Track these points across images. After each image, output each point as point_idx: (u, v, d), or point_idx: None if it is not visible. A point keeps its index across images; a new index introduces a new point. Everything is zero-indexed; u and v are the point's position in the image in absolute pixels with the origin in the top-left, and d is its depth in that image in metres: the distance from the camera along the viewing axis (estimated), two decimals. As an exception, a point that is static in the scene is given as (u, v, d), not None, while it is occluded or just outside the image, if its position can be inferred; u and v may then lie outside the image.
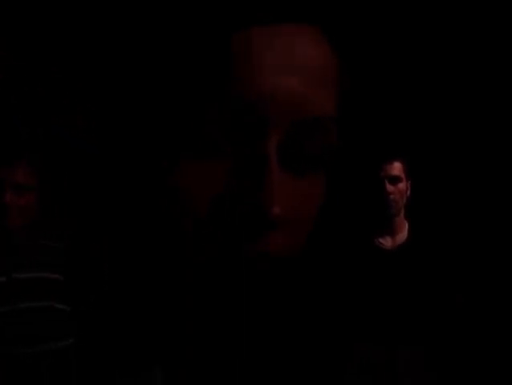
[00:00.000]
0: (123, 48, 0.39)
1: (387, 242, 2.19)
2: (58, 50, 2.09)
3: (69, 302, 1.58)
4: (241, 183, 0.31)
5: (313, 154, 0.34)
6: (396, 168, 2.16)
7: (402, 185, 2.16)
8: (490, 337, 2.40)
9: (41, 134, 1.85)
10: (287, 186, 0.32)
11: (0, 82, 2.06)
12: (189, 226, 0.32)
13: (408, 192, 2.20)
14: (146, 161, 0.35)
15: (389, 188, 2.12)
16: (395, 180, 2.14)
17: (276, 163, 0.31)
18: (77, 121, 1.92)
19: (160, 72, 0.34)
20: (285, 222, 0.31)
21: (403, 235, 2.19)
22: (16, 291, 1.66)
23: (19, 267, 1.71)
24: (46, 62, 2.09)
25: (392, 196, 2.13)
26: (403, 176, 2.17)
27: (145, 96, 0.35)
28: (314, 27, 0.33)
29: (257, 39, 0.31)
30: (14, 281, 1.69)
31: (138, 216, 0.37)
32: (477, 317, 2.34)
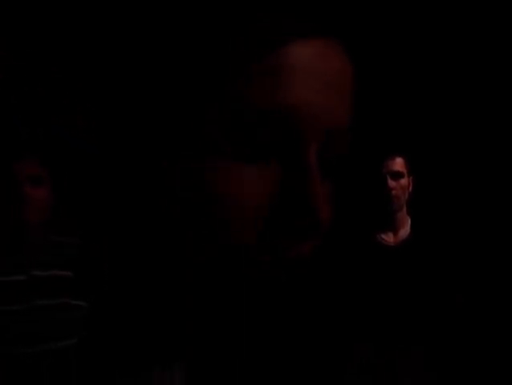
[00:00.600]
0: (123, 48, 0.38)
1: (389, 238, 2.19)
2: (58, 50, 2.09)
3: (85, 300, 1.59)
4: (286, 191, 0.33)
5: (332, 161, 0.36)
6: (398, 163, 2.16)
7: (404, 181, 2.15)
8: (490, 337, 2.40)
9: (41, 134, 1.87)
10: (323, 193, 0.34)
11: (0, 82, 2.06)
12: (194, 225, 0.33)
13: (410, 188, 2.20)
14: (146, 161, 0.35)
15: (391, 183, 2.12)
16: (397, 175, 2.14)
17: (317, 169, 0.34)
18: (77, 121, 1.92)
19: (160, 71, 0.34)
20: (328, 226, 0.34)
21: (405, 231, 2.19)
22: (35, 289, 1.69)
23: (38, 265, 1.73)
24: (46, 62, 2.09)
25: (394, 192, 2.12)
26: (405, 171, 2.16)
27: (146, 96, 0.35)
28: (335, 39, 0.35)
29: (283, 54, 0.32)
30: (33, 279, 1.71)
31: (138, 216, 0.37)
32: (477, 316, 2.34)
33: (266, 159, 0.33)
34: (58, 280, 1.71)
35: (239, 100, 0.32)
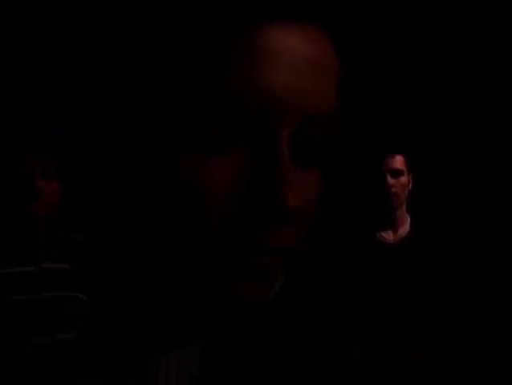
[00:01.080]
0: (122, 47, 0.39)
1: (388, 236, 2.19)
2: (58, 50, 2.09)
3: (87, 295, 1.61)
4: (251, 178, 0.32)
5: (317, 149, 0.35)
6: (398, 161, 2.16)
7: (404, 179, 2.15)
8: (490, 336, 2.40)
9: (41, 134, 1.89)
10: (297, 180, 0.33)
11: (0, 82, 2.07)
12: (194, 225, 0.33)
13: (410, 186, 2.20)
14: (146, 161, 0.35)
15: (391, 181, 2.12)
16: (396, 173, 2.14)
17: (288, 156, 0.33)
18: (77, 121, 1.93)
19: (160, 71, 0.34)
20: (295, 215, 0.32)
21: (405, 229, 2.19)
22: (43, 281, 1.70)
23: (47, 257, 1.75)
24: (46, 62, 2.09)
25: (393, 190, 2.13)
26: (405, 169, 2.16)
27: (145, 96, 0.35)
28: (317, 26, 0.35)
29: (265, 39, 0.32)
30: (42, 270, 1.73)
31: (137, 215, 0.37)
32: (476, 315, 2.35)
33: (236, 146, 0.33)
34: (67, 273, 1.72)
35: (215, 83, 0.32)
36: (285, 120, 0.33)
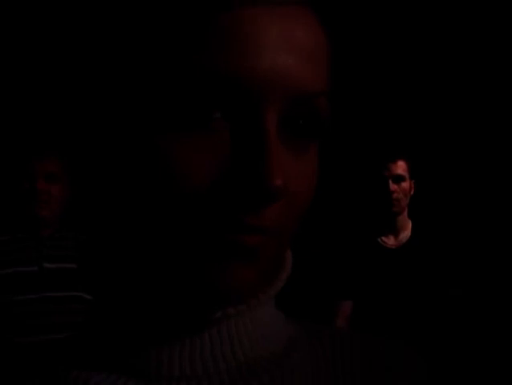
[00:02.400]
0: (97, 18, 0.38)
1: (390, 241, 2.20)
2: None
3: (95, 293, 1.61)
4: (237, 158, 0.32)
5: (307, 129, 0.35)
6: (400, 167, 2.17)
7: (406, 184, 2.16)
8: (490, 340, 2.40)
9: (45, 133, 1.88)
10: (286, 160, 0.33)
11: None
12: (178, 203, 0.33)
13: (412, 192, 2.21)
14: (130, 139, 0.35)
15: (393, 186, 2.13)
16: (399, 179, 2.15)
17: (275, 137, 0.32)
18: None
19: (139, 48, 0.34)
20: (283, 196, 0.32)
21: (406, 234, 2.20)
22: (46, 280, 1.71)
23: (50, 257, 1.76)
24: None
25: (395, 195, 2.13)
26: (407, 175, 2.17)
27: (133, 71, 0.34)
28: (305, 8, 0.35)
29: (253, 19, 0.32)
30: (45, 270, 1.74)
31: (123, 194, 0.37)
32: (477, 321, 2.35)
33: (222, 125, 0.33)
34: (69, 273, 1.73)
35: (201, 62, 0.32)
36: (273, 101, 0.32)
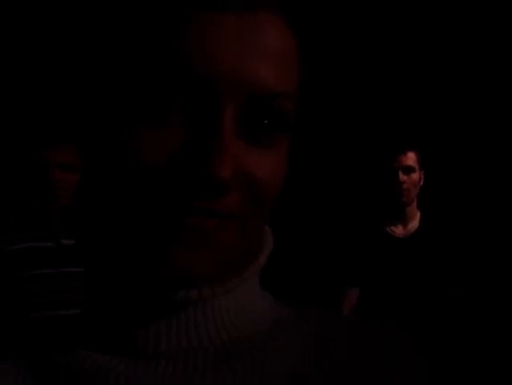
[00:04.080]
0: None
1: (398, 230, 2.23)
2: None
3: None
4: (189, 148, 0.34)
5: (270, 125, 0.37)
6: (410, 158, 2.19)
7: (415, 175, 2.18)
8: (495, 332, 2.41)
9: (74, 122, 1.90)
10: (244, 153, 0.35)
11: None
12: (135, 185, 0.35)
13: (421, 183, 2.23)
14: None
15: (402, 177, 2.16)
16: (408, 170, 2.17)
17: (230, 132, 0.34)
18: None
19: (102, 35, 0.36)
20: (229, 186, 0.34)
21: (414, 224, 2.22)
22: (63, 256, 1.77)
23: (67, 234, 1.81)
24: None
25: (404, 186, 2.16)
26: (416, 166, 2.19)
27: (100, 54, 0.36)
28: (274, 14, 0.37)
29: (221, 22, 0.34)
30: (62, 246, 1.79)
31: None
32: (483, 313, 2.36)
33: (178, 116, 0.35)
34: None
35: (162, 51, 0.34)
36: (232, 95, 0.34)
